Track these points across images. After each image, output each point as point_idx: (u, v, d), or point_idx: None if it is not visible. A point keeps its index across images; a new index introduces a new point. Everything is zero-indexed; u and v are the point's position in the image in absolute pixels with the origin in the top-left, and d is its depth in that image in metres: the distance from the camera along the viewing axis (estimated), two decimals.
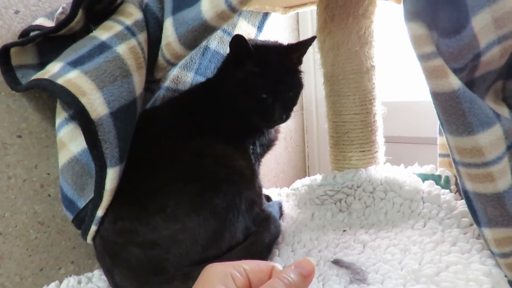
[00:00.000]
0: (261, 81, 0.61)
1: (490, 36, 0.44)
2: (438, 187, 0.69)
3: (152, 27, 0.57)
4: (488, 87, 0.52)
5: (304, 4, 0.84)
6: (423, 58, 0.44)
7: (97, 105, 0.46)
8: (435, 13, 0.43)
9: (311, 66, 1.23)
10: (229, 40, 0.83)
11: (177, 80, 0.75)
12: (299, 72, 0.66)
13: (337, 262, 0.54)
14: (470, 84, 0.48)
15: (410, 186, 0.69)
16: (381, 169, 0.73)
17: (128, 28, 0.54)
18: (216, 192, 0.54)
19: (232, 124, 0.63)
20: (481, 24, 0.43)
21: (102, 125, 0.47)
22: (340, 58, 0.72)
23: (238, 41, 0.60)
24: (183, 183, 0.54)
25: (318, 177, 0.80)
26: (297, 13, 1.25)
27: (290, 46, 0.65)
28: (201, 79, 0.80)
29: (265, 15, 0.89)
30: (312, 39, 0.64)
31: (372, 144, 0.75)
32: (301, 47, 0.64)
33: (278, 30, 1.18)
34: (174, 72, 0.72)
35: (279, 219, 0.73)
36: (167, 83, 0.72)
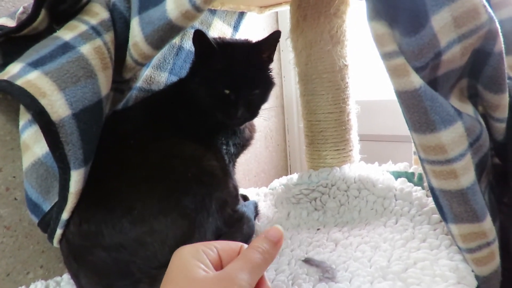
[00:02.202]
0: (224, 77, 0.61)
1: (450, 35, 0.44)
2: (411, 184, 0.70)
3: (120, 26, 0.56)
4: (452, 85, 0.53)
5: (279, 4, 0.84)
6: (386, 56, 0.45)
7: (58, 106, 0.45)
8: (396, 12, 0.43)
9: (291, 66, 1.24)
10: None
11: (150, 80, 0.74)
12: (268, 69, 0.66)
13: (307, 261, 0.55)
14: (433, 82, 0.48)
15: (383, 184, 0.69)
16: (355, 167, 0.74)
17: (93, 27, 0.53)
18: (185, 193, 0.53)
19: (201, 123, 0.63)
20: (441, 23, 0.44)
21: (63, 126, 0.46)
22: (313, 58, 0.72)
23: (198, 36, 0.60)
24: (151, 184, 0.53)
25: (294, 176, 0.80)
26: (276, 12, 1.25)
27: (256, 43, 0.65)
28: (175, 79, 0.79)
29: (241, 14, 0.89)
30: (275, 34, 0.63)
31: (347, 143, 0.75)
32: (266, 43, 0.64)
33: (257, 30, 1.18)
34: (147, 72, 0.71)
35: (254, 219, 0.73)
36: (139, 83, 0.71)
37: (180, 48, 0.77)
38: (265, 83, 0.65)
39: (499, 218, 0.59)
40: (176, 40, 0.76)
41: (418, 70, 0.44)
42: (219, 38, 0.69)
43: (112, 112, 0.63)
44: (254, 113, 0.64)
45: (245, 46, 0.65)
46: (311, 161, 0.78)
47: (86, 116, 0.48)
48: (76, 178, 0.49)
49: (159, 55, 0.73)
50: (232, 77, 0.61)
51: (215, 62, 0.61)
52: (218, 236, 0.56)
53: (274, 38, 0.63)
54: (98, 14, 0.55)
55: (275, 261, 0.57)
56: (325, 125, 0.74)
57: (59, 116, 0.46)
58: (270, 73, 0.66)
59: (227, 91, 0.61)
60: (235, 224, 0.61)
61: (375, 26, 0.44)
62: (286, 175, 1.39)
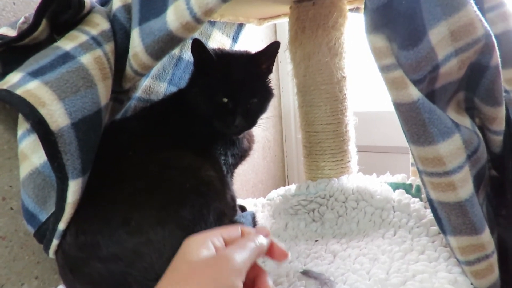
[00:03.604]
0: (222, 86, 0.61)
1: (447, 49, 0.45)
2: (409, 196, 0.70)
3: (120, 37, 0.57)
4: (449, 98, 0.53)
5: (278, 16, 0.85)
6: (384, 69, 0.45)
7: (57, 116, 0.45)
8: (394, 26, 0.44)
9: (290, 77, 1.25)
10: None
11: (149, 90, 0.74)
12: (267, 80, 0.67)
13: (306, 273, 0.54)
14: (431, 95, 0.49)
15: (381, 195, 0.69)
16: (353, 178, 0.74)
17: (93, 38, 0.53)
18: (182, 204, 0.53)
19: (199, 133, 0.63)
20: (438, 37, 0.44)
21: (62, 136, 0.46)
22: (311, 69, 0.72)
23: (196, 46, 0.61)
24: (149, 195, 0.53)
25: (292, 187, 0.80)
26: (275, 24, 1.27)
27: (254, 54, 0.66)
28: (174, 89, 0.79)
29: (240, 26, 0.90)
30: (274, 44, 0.64)
31: (345, 154, 0.75)
32: (265, 53, 0.65)
33: (256, 41, 1.19)
34: (146, 82, 0.72)
35: None
36: (138, 93, 0.71)
37: (179, 58, 0.78)
38: (263, 93, 0.65)
39: (497, 230, 0.59)
40: (175, 51, 0.76)
41: (416, 82, 0.45)
42: (218, 48, 0.69)
43: (111, 121, 0.63)
44: (252, 122, 0.65)
45: (244, 56, 0.66)
46: (309, 172, 0.78)
47: (85, 125, 0.48)
48: (74, 188, 0.48)
49: (158, 66, 0.73)
50: (230, 86, 0.62)
51: (214, 71, 0.62)
52: None
53: (273, 48, 0.64)
54: (99, 24, 0.55)
55: (274, 272, 0.56)
56: (323, 136, 0.74)
57: (58, 126, 0.45)
58: (269, 84, 0.67)
59: (225, 100, 0.61)
60: None
61: (373, 39, 0.45)
62: (284, 185, 1.39)
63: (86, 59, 0.51)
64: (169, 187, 0.55)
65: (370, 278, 0.52)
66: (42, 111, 0.45)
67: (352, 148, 0.76)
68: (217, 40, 0.85)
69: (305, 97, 0.75)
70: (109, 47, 0.55)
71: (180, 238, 0.51)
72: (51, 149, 0.46)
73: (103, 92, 0.52)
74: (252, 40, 1.19)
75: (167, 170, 0.56)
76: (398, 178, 0.76)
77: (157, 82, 0.74)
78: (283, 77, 1.25)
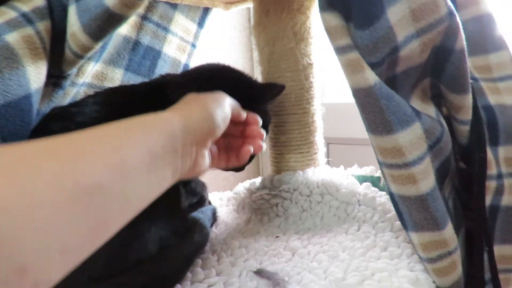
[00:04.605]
0: None
1: (408, 29, 0.41)
2: (375, 189, 0.67)
3: (58, 15, 0.51)
4: (413, 84, 0.50)
5: (245, 0, 0.80)
6: (339, 51, 0.41)
7: None
8: (349, 2, 0.40)
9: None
10: (164, 36, 0.78)
11: (102, 76, 0.69)
12: None
13: (259, 273, 0.50)
14: (392, 80, 0.45)
15: (347, 189, 0.66)
16: (319, 171, 0.70)
17: (24, 15, 0.48)
18: None
19: None
20: (398, 16, 0.40)
21: None
22: (276, 55, 0.68)
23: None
24: None
25: (257, 180, 0.76)
26: (249, 10, 1.21)
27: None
28: (133, 76, 0.74)
29: (206, 10, 0.84)
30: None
31: (311, 146, 0.71)
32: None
33: (228, 29, 1.14)
34: (98, 68, 0.66)
35: (212, 226, 0.69)
36: (88, 79, 0.65)
37: (136, 43, 0.72)
38: None
39: (465, 224, 0.57)
40: (131, 34, 0.71)
41: (373, 66, 0.41)
42: None
43: (52, 108, 0.58)
44: None
45: None
46: (275, 164, 0.74)
47: (8, 111, 0.43)
48: None
49: (111, 50, 0.67)
50: None
51: None
52: (163, 247, 0.51)
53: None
54: (32, 0, 0.50)
55: (226, 272, 0.53)
56: (288, 126, 0.70)
57: None
58: None
59: None
60: (185, 233, 0.56)
61: (328, 18, 0.41)
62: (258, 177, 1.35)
63: (12, 37, 0.45)
64: None
65: (326, 277, 0.48)
66: None
67: (319, 139, 0.73)
68: (181, 25, 0.80)
69: None
70: (43, 25, 0.49)
71: (119, 235, 0.47)
72: None
73: (34, 75, 0.47)
74: (224, 27, 1.14)
75: None
76: (366, 170, 0.73)
77: (111, 68, 0.69)
78: (257, 65, 1.20)
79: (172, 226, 0.53)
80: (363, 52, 0.40)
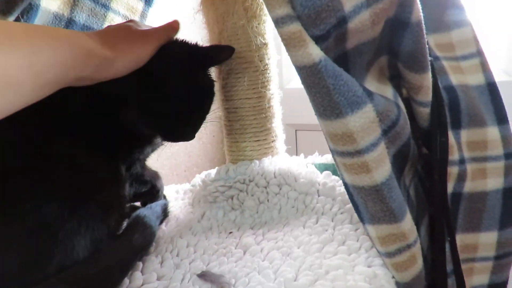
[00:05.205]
0: None
1: None
2: (335, 177, 0.63)
3: None
4: (368, 62, 0.45)
5: None
6: (278, 22, 0.35)
7: None
8: None
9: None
10: (104, 14, 0.70)
11: None
12: None
13: (203, 276, 0.45)
14: (342, 57, 0.40)
15: (306, 179, 0.62)
16: (276, 160, 0.65)
17: None
18: (48, 198, 0.42)
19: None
20: None
21: None
22: (226, 34, 0.62)
23: None
24: (6, 188, 0.41)
25: (212, 171, 0.71)
26: None
27: None
28: None
29: None
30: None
31: (268, 133, 0.66)
32: None
33: (185, 8, 1.06)
34: None
35: (161, 222, 0.63)
36: None
37: (70, 21, 0.64)
38: None
39: (428, 211, 0.53)
40: (63, 11, 0.63)
41: (318, 40, 0.36)
42: None
43: None
44: None
45: None
46: (230, 153, 0.69)
47: None
48: None
49: None
50: None
51: None
52: (95, 251, 0.45)
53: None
54: None
55: (168, 276, 0.47)
56: (242, 112, 0.65)
57: None
58: None
59: None
60: (123, 233, 0.50)
61: None
62: None
63: None
64: (35, 178, 0.43)
65: (276, 278, 0.44)
66: None
67: (277, 126, 0.67)
68: (124, 2, 0.72)
69: (221, 68, 0.65)
70: None
71: (37, 241, 0.41)
72: None
73: None
74: (179, 8, 1.06)
75: (35, 157, 0.45)
76: (328, 158, 0.68)
77: None
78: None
79: (109, 225, 0.47)
80: (305, 23, 0.35)
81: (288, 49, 0.36)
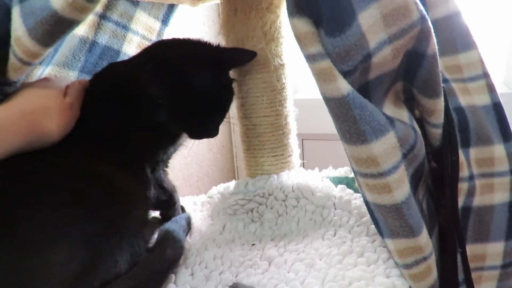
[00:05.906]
0: None
1: (379, 35, 0.40)
2: (350, 191, 0.66)
3: (0, 17, 0.46)
4: (386, 89, 0.48)
5: None
6: (310, 59, 0.39)
7: None
8: (319, 8, 0.38)
9: None
10: (124, 34, 0.73)
11: None
12: None
13: (235, 287, 0.48)
14: (364, 87, 0.44)
15: (322, 192, 0.65)
16: (293, 174, 0.69)
17: None
18: (89, 218, 0.45)
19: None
20: (369, 22, 0.39)
21: None
22: None
23: None
24: (51, 210, 0.44)
25: (231, 184, 0.74)
26: (218, 5, 1.17)
27: None
28: (87, 77, 0.69)
29: (171, 7, 0.80)
30: None
31: (285, 148, 0.70)
32: None
33: (196, 24, 1.10)
34: (49, 71, 0.61)
35: (186, 235, 0.66)
36: None
37: (93, 43, 0.67)
38: None
39: (438, 221, 0.57)
40: (88, 34, 0.66)
41: (346, 74, 0.39)
42: None
43: None
44: None
45: None
46: (249, 168, 0.72)
47: None
48: None
49: (66, 52, 0.62)
50: None
51: None
52: (134, 265, 0.48)
53: None
54: None
55: (201, 287, 0.50)
56: (261, 129, 0.68)
57: None
58: None
59: None
60: (156, 247, 0.53)
61: (297, 24, 0.39)
62: (234, 178, 1.32)
63: None
64: (75, 198, 0.46)
65: None
66: None
67: (293, 141, 0.71)
68: (142, 23, 0.75)
69: (240, 87, 0.68)
70: None
71: (83, 257, 0.44)
72: None
73: None
74: (192, 23, 1.09)
75: (74, 178, 0.48)
76: (341, 171, 0.72)
77: (65, 71, 0.64)
78: None
79: (145, 239, 0.51)
80: (335, 60, 0.38)
81: (318, 83, 0.40)
